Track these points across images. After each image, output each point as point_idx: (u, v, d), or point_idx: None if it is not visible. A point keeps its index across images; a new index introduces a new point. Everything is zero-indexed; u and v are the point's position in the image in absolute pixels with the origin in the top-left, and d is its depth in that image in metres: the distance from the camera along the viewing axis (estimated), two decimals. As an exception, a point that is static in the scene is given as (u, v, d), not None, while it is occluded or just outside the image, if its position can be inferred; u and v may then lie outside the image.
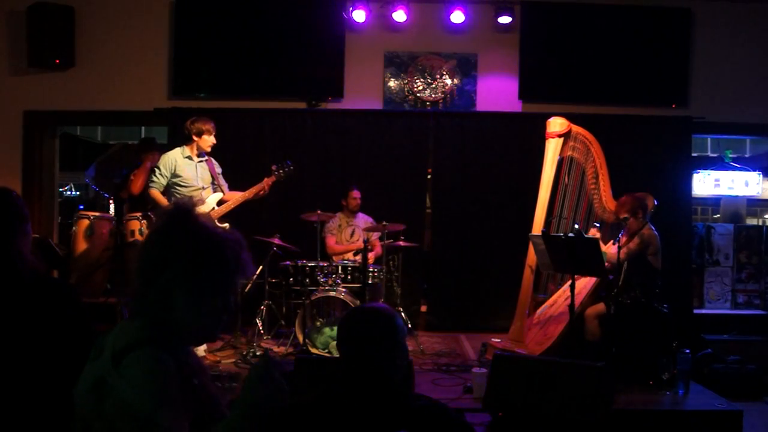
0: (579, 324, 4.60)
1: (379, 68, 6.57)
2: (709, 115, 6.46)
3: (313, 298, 5.05)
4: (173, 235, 1.43)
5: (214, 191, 4.99)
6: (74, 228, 6.07)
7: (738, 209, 8.37)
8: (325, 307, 5.22)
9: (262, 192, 4.97)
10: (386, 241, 5.48)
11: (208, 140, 4.88)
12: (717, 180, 7.95)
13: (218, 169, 5.08)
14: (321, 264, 5.23)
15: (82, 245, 6.01)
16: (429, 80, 6.58)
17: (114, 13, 6.48)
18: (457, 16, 6.32)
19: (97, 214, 6.19)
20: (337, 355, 1.78)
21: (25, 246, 2.02)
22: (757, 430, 4.40)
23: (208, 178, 4.97)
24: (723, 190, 8.01)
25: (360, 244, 5.54)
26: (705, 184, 7.92)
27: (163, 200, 4.80)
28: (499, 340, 4.89)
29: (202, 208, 4.73)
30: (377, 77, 6.58)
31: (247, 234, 1.60)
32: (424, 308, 6.57)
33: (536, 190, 5.02)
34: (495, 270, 6.26)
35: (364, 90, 6.54)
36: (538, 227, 4.84)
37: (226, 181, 5.13)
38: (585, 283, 4.79)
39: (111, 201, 7.20)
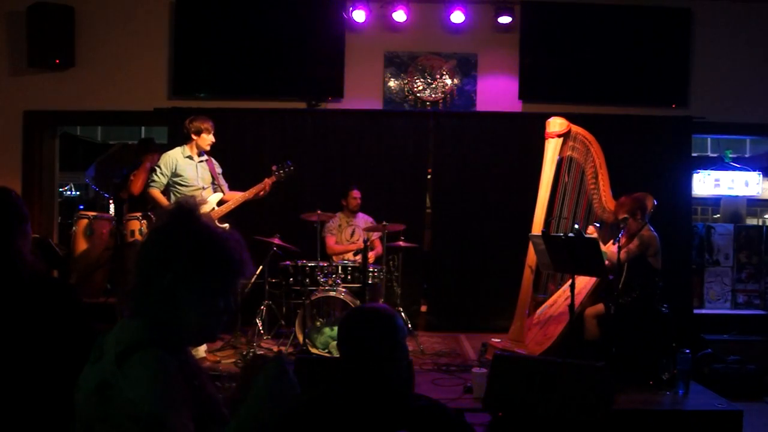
0: (578, 324, 4.60)
1: (379, 68, 6.57)
2: (709, 115, 6.47)
3: (313, 298, 5.05)
4: (176, 235, 1.43)
5: (215, 191, 4.98)
6: (74, 228, 6.08)
7: (738, 209, 8.37)
8: (325, 307, 5.22)
9: (262, 192, 4.97)
10: (390, 243, 5.48)
11: (207, 139, 4.87)
12: (717, 180, 7.95)
13: (218, 169, 5.08)
14: (321, 264, 5.23)
15: (82, 245, 6.02)
16: (429, 80, 6.58)
17: (114, 13, 6.48)
18: (457, 16, 6.33)
19: (97, 214, 6.20)
20: (337, 355, 1.78)
21: (24, 246, 2.02)
22: (757, 430, 4.40)
23: (209, 178, 4.97)
24: (723, 190, 8.01)
25: (360, 244, 5.54)
26: (705, 184, 7.92)
27: (163, 200, 4.80)
28: (499, 340, 4.89)
29: (203, 208, 4.72)
30: (377, 77, 6.58)
31: (247, 234, 1.61)
32: (424, 308, 6.57)
33: (536, 190, 5.02)
34: (495, 270, 6.26)
35: (364, 90, 6.55)
36: (537, 227, 4.84)
37: (226, 181, 5.13)
38: (585, 283, 4.78)
39: (111, 201, 7.20)
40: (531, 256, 4.87)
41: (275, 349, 5.17)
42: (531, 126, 6.14)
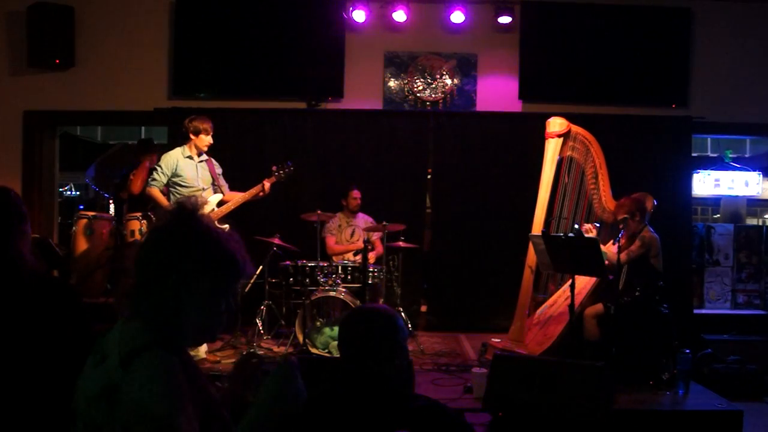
0: (578, 324, 4.60)
1: (379, 68, 6.57)
2: (709, 115, 6.46)
3: (313, 298, 5.05)
4: (180, 237, 1.42)
5: (215, 192, 4.98)
6: (74, 228, 6.08)
7: (738, 209, 8.37)
8: (325, 307, 5.22)
9: (261, 193, 4.97)
10: (390, 243, 5.48)
11: (205, 140, 4.86)
12: (717, 180, 7.95)
13: (218, 170, 5.07)
14: (321, 264, 5.23)
15: (82, 245, 6.02)
16: (429, 80, 6.58)
17: (114, 13, 6.48)
18: (457, 16, 6.32)
19: (96, 214, 6.21)
20: (337, 355, 1.78)
21: (24, 246, 2.02)
22: (757, 430, 4.40)
23: (209, 179, 4.96)
24: (723, 190, 8.01)
25: (360, 244, 5.54)
26: (705, 184, 7.92)
27: (163, 199, 4.80)
28: (499, 340, 4.89)
29: (204, 209, 4.72)
30: (377, 77, 6.58)
31: (247, 234, 1.61)
32: (424, 308, 6.57)
33: (536, 190, 5.01)
34: (495, 270, 6.26)
35: (364, 90, 6.54)
36: (537, 227, 4.83)
37: (226, 181, 5.13)
38: (585, 283, 4.78)
39: (111, 201, 7.21)
40: (531, 256, 4.87)
41: (275, 349, 5.17)
42: (531, 126, 6.14)
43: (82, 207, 9.90)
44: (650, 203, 4.79)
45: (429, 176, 6.57)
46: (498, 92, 6.58)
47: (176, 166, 4.81)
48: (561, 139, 4.97)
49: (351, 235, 6.00)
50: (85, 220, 6.04)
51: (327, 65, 6.45)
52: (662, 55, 6.46)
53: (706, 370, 5.26)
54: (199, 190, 4.85)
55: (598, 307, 4.62)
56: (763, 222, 12.70)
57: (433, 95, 6.58)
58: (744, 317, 6.56)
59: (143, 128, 10.51)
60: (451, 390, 4.20)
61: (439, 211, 6.57)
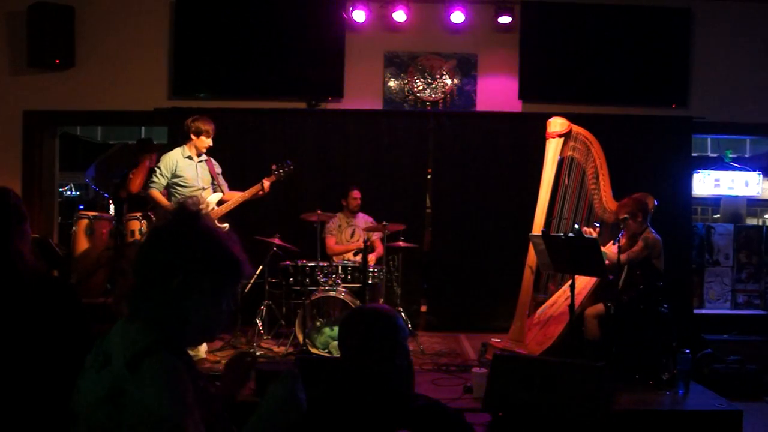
0: (579, 324, 4.60)
1: (379, 68, 6.57)
2: (709, 115, 6.46)
3: (313, 298, 5.05)
4: (182, 238, 1.42)
5: (214, 191, 4.98)
6: (74, 228, 6.08)
7: (738, 209, 8.38)
8: (325, 307, 5.22)
9: (261, 192, 4.96)
10: (390, 243, 5.48)
11: (206, 142, 4.86)
12: (717, 180, 7.96)
13: (218, 169, 5.07)
14: (321, 264, 5.23)
15: (82, 245, 6.02)
16: (429, 80, 6.58)
17: (114, 13, 6.48)
18: (457, 16, 6.32)
19: (97, 214, 6.21)
20: (337, 355, 1.78)
21: (24, 246, 2.02)
22: (757, 430, 4.40)
23: (208, 179, 4.96)
24: (723, 190, 8.02)
25: (360, 244, 5.54)
26: (705, 184, 7.93)
27: (164, 200, 4.80)
28: (499, 340, 4.88)
29: (204, 209, 4.72)
30: (377, 77, 6.58)
31: (247, 234, 1.61)
32: (424, 308, 6.57)
33: (536, 190, 5.01)
34: (495, 270, 6.26)
35: (364, 90, 6.54)
36: (538, 227, 4.83)
37: (226, 181, 5.13)
38: (585, 284, 4.78)
39: (110, 201, 7.21)
40: (531, 257, 4.87)
41: (275, 349, 5.17)
42: (531, 126, 6.14)
43: (82, 207, 9.89)
44: (651, 203, 4.79)
45: (429, 176, 6.57)
46: (498, 92, 6.58)
47: (176, 166, 4.81)
48: (562, 139, 4.96)
49: (351, 236, 6.00)
50: (85, 221, 6.04)
51: (327, 65, 6.44)
52: (662, 55, 6.46)
53: (706, 370, 5.25)
54: (199, 189, 4.85)
55: (599, 307, 4.62)
56: (763, 222, 12.70)
57: (433, 95, 6.58)
58: (744, 317, 6.57)
59: (143, 128, 10.51)
60: (451, 390, 4.19)
61: (439, 211, 6.57)
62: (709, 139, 10.71)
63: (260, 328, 5.31)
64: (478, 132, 6.49)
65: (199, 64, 6.45)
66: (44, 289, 2.00)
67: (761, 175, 8.12)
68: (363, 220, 6.02)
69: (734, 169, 8.02)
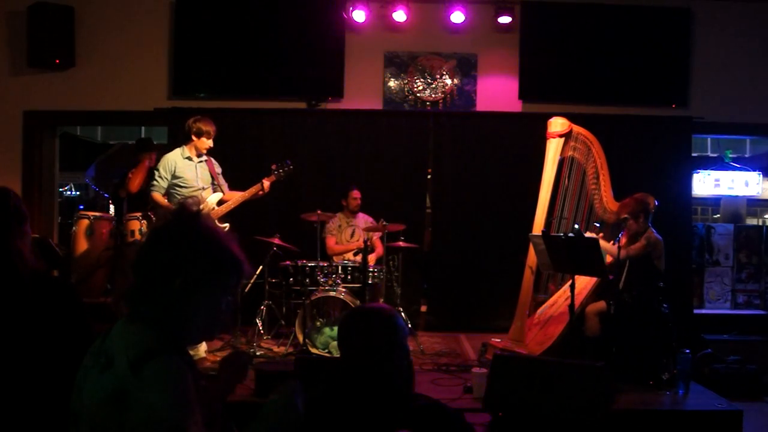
0: (579, 320, 4.61)
1: (379, 68, 6.57)
2: (709, 115, 6.46)
3: (313, 298, 5.05)
4: (185, 239, 1.43)
5: (214, 191, 4.98)
6: (74, 228, 6.07)
7: (738, 209, 8.37)
8: (325, 307, 5.22)
9: (261, 192, 4.97)
10: (390, 243, 5.48)
11: (206, 143, 4.86)
12: (717, 180, 7.96)
13: (218, 169, 5.07)
14: (321, 264, 5.23)
15: (82, 245, 6.02)
16: (429, 80, 6.58)
17: (114, 13, 6.48)
18: (457, 16, 6.32)
19: (97, 214, 6.20)
20: (337, 355, 1.78)
21: (24, 245, 2.02)
22: (757, 430, 4.40)
23: (208, 178, 4.96)
24: (723, 190, 8.02)
25: (360, 244, 5.54)
26: (705, 184, 7.93)
27: (166, 204, 4.79)
28: (499, 340, 4.88)
29: (204, 209, 4.72)
30: (377, 77, 6.58)
31: (247, 234, 1.62)
32: (424, 308, 6.57)
33: (536, 190, 5.01)
34: (495, 270, 6.26)
35: (364, 90, 6.54)
36: (538, 227, 4.83)
37: (226, 180, 5.13)
38: (585, 284, 4.78)
39: (110, 201, 7.20)
40: (531, 257, 4.86)
41: (275, 349, 5.17)
42: (531, 126, 6.13)
43: (82, 207, 9.90)
44: (652, 203, 4.79)
45: (429, 176, 6.57)
46: (498, 92, 6.58)
47: (174, 167, 4.81)
48: (562, 139, 4.96)
49: (351, 236, 6.00)
50: (86, 221, 6.03)
51: (327, 65, 6.44)
52: (662, 55, 6.46)
53: (706, 370, 5.26)
54: (199, 189, 4.85)
55: (601, 304, 4.63)
56: (763, 222, 12.70)
57: (433, 95, 6.58)
58: (744, 317, 6.57)
59: (143, 128, 10.51)
60: (451, 390, 4.19)
61: (439, 211, 6.57)
62: (709, 139, 10.71)
63: (260, 328, 5.31)
64: (478, 132, 6.49)
65: (199, 64, 6.45)
66: (44, 289, 2.00)
67: (761, 175, 8.12)
68: (363, 220, 6.02)
69: (734, 169, 8.02)
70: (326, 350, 4.91)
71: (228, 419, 1.60)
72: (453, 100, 6.59)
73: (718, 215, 9.70)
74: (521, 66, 6.49)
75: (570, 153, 4.98)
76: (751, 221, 11.78)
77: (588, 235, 4.74)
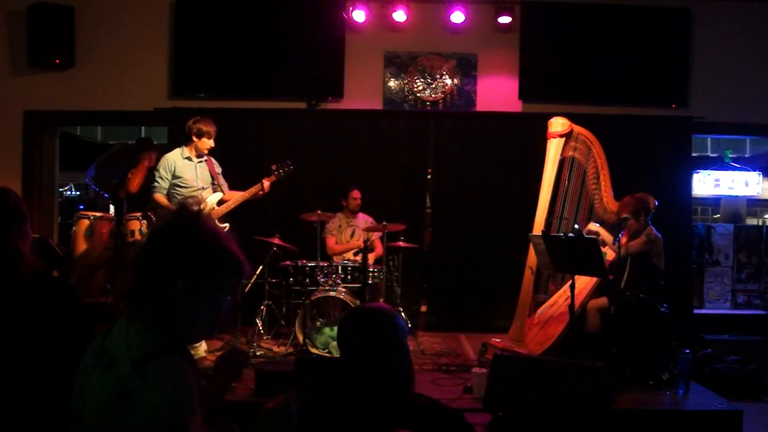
0: (580, 316, 4.61)
1: (379, 68, 6.57)
2: (709, 115, 6.46)
3: (313, 298, 5.05)
4: (187, 240, 1.43)
5: (214, 191, 4.98)
6: (74, 228, 6.07)
7: (738, 209, 8.37)
8: (325, 307, 5.22)
9: (261, 192, 4.97)
10: (390, 243, 5.48)
11: (207, 143, 4.86)
12: (717, 180, 7.96)
13: (218, 169, 5.07)
14: (321, 264, 5.23)
15: (82, 245, 6.01)
16: (429, 80, 6.58)
17: (114, 13, 6.48)
18: (457, 16, 6.32)
19: (97, 214, 6.19)
20: (337, 355, 1.78)
21: (24, 246, 2.02)
22: (757, 430, 4.40)
23: (208, 178, 4.96)
24: (723, 190, 8.01)
25: (360, 243, 5.54)
26: (705, 184, 7.93)
27: (168, 205, 4.79)
28: (499, 340, 4.88)
29: (204, 209, 4.72)
30: (377, 77, 6.58)
31: (247, 234, 1.62)
32: (424, 308, 6.57)
33: (536, 190, 5.01)
34: (495, 270, 6.26)
35: (364, 90, 6.54)
36: (538, 227, 4.83)
37: (226, 180, 5.13)
38: (585, 284, 4.78)
39: (110, 201, 7.20)
40: (531, 257, 4.86)
41: (275, 349, 5.17)
42: (531, 126, 6.13)
43: (82, 207, 9.88)
44: (652, 203, 4.80)
45: (429, 176, 6.57)
46: (498, 92, 6.58)
47: (174, 167, 4.81)
48: (563, 139, 4.96)
49: (351, 236, 6.00)
50: (86, 221, 6.03)
51: (327, 65, 6.44)
52: (662, 55, 6.46)
53: (706, 370, 5.26)
54: (199, 189, 4.85)
55: (603, 300, 4.64)
56: (763, 222, 12.70)
57: (433, 95, 6.58)
58: (744, 317, 6.57)
59: (143, 128, 10.51)
60: (451, 390, 4.19)
61: (439, 211, 6.57)
62: (709, 139, 10.72)
63: (260, 328, 5.31)
64: (478, 132, 6.49)
65: (199, 64, 6.45)
66: (44, 289, 2.00)
67: (761, 175, 8.11)
68: (363, 220, 6.02)
69: (734, 169, 8.02)
70: (326, 350, 4.91)
71: (228, 418, 1.60)
72: (453, 100, 6.59)
73: (718, 215, 9.70)
74: (521, 66, 6.49)
75: (570, 153, 4.98)
76: (751, 221, 11.78)
77: (591, 227, 4.75)
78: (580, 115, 5.56)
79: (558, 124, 4.99)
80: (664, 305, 4.63)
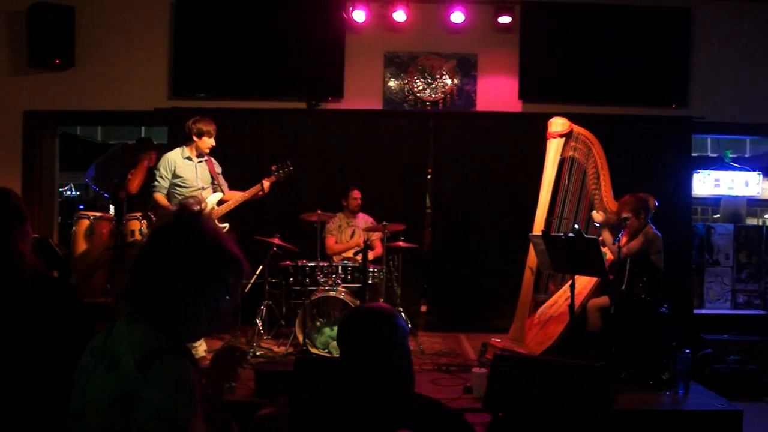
0: (581, 315, 4.61)
1: (379, 68, 6.57)
2: (709, 115, 6.46)
3: (313, 298, 5.05)
4: (189, 240, 1.44)
5: (214, 191, 4.98)
6: (74, 228, 6.07)
7: (738, 209, 8.36)
8: (325, 307, 5.21)
9: (261, 193, 4.97)
10: (390, 243, 5.48)
11: (208, 142, 4.86)
12: (717, 180, 7.95)
13: (218, 169, 5.07)
14: (321, 264, 5.23)
15: (82, 245, 6.01)
16: (429, 80, 6.58)
17: (114, 13, 6.48)
18: (457, 16, 6.32)
19: (97, 214, 6.20)
20: (337, 355, 1.78)
21: (25, 246, 2.02)
22: (757, 430, 4.40)
23: (208, 178, 4.96)
24: (723, 190, 8.00)
25: (360, 243, 5.54)
26: (705, 184, 7.92)
27: (168, 205, 4.79)
28: (499, 340, 4.88)
29: (204, 209, 4.71)
30: (377, 77, 6.58)
31: (247, 234, 1.63)
32: (424, 308, 6.57)
33: (536, 190, 5.01)
34: (495, 270, 6.26)
35: (364, 90, 6.54)
36: (538, 227, 4.83)
37: (226, 180, 5.13)
38: (585, 284, 4.79)
39: (110, 201, 7.20)
40: (531, 258, 4.86)
41: (275, 349, 5.17)
42: (531, 126, 6.14)
43: (82, 207, 9.88)
44: (652, 203, 4.80)
45: (429, 176, 6.57)
46: (498, 92, 6.58)
47: (174, 167, 4.81)
48: (563, 139, 4.96)
49: (351, 236, 6.00)
50: (86, 221, 6.03)
51: (327, 65, 6.44)
52: (662, 55, 6.46)
53: (706, 370, 5.26)
54: (199, 189, 4.85)
55: (603, 299, 4.65)
56: (763, 222, 12.70)
57: (433, 95, 6.58)
58: (744, 317, 6.57)
59: (143, 128, 10.52)
60: (451, 390, 4.20)
61: (439, 211, 6.57)
62: (709, 139, 10.73)
63: (260, 328, 5.31)
64: (478, 132, 6.49)
65: (199, 64, 6.45)
66: (44, 289, 2.01)
67: (761, 175, 8.10)
68: (363, 220, 6.02)
69: (734, 169, 8.01)
70: (326, 350, 4.91)
71: (228, 416, 1.60)
72: (453, 100, 6.59)
73: (718, 215, 9.69)
74: (521, 66, 6.49)
75: (570, 153, 4.98)
76: (751, 221, 11.78)
77: (594, 215, 4.75)
78: (580, 115, 5.56)
79: (558, 124, 4.99)
80: (664, 305, 4.63)
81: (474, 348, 5.38)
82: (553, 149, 4.98)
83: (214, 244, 1.46)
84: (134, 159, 6.22)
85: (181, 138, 5.09)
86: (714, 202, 10.82)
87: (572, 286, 4.27)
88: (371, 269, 5.20)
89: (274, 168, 5.04)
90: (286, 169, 5.05)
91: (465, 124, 6.52)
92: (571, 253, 4.19)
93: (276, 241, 5.30)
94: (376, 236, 5.85)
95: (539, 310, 5.03)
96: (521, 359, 3.80)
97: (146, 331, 1.38)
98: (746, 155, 10.87)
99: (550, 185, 4.95)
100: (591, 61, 6.46)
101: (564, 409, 3.16)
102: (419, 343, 5.45)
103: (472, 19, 6.44)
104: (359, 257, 5.28)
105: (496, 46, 6.57)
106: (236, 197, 4.93)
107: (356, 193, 5.98)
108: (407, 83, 6.57)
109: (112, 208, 6.94)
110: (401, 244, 5.59)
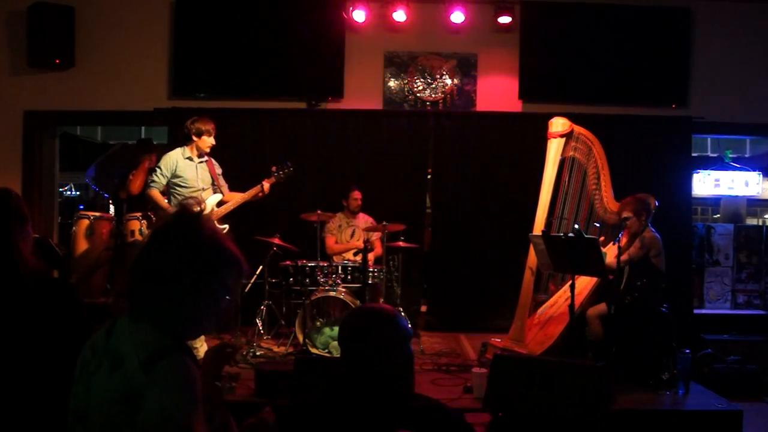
0: (581, 324, 4.60)
1: (379, 68, 6.57)
2: (709, 115, 6.46)
3: (313, 298, 5.05)
4: (190, 241, 1.45)
5: (214, 192, 4.98)
6: (74, 228, 6.07)
7: (738, 209, 8.36)
8: (325, 307, 5.22)
9: (261, 194, 4.97)
10: (390, 243, 5.48)
11: (208, 141, 4.86)
12: (717, 180, 7.95)
13: (218, 170, 5.07)
14: (321, 264, 5.23)
15: (82, 245, 6.01)
16: (429, 80, 6.58)
17: (114, 13, 6.48)
18: (457, 16, 6.32)
19: (97, 214, 6.20)
20: (337, 355, 1.78)
21: (25, 247, 2.02)
22: (757, 430, 4.40)
23: (209, 179, 4.96)
24: (723, 190, 8.00)
25: (360, 244, 5.54)
26: (705, 184, 7.92)
27: (163, 201, 4.79)
28: (499, 340, 4.88)
29: (204, 210, 4.72)
30: (377, 77, 6.58)
31: (247, 234, 1.64)
32: (424, 308, 6.57)
33: (536, 190, 5.01)
34: (495, 270, 6.26)
35: (364, 90, 6.54)
36: (538, 227, 4.83)
37: (226, 181, 5.13)
38: (585, 284, 4.78)
39: (110, 201, 7.20)
40: (532, 258, 4.86)
41: (275, 349, 5.17)
42: (531, 126, 6.15)
43: (82, 207, 9.89)
44: (653, 204, 4.80)
45: (429, 176, 6.57)
46: (498, 92, 6.58)
47: (176, 167, 4.81)
48: (563, 140, 4.96)
49: (351, 236, 6.00)
50: (86, 221, 6.03)
51: (327, 65, 6.44)
52: (662, 55, 6.46)
53: (706, 370, 5.26)
54: (199, 190, 4.85)
55: (601, 306, 4.63)
56: (763, 222, 12.70)
57: (433, 95, 6.58)
58: (744, 317, 6.57)
59: (143, 128, 10.52)
60: (451, 390, 4.20)
61: (439, 211, 6.57)
62: (709, 139, 10.73)
63: (260, 328, 5.31)
64: (478, 132, 6.49)
65: (199, 64, 6.45)
66: (44, 289, 2.01)
67: (761, 175, 8.11)
68: (363, 220, 6.02)
69: (734, 169, 8.01)
70: (326, 350, 4.91)
71: (226, 413, 1.61)
72: (453, 100, 6.59)
73: (718, 215, 9.69)
74: (521, 66, 6.49)
75: (571, 153, 4.98)
76: (751, 221, 11.78)
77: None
78: (580, 115, 5.55)
79: (558, 124, 4.99)
80: (664, 305, 4.63)
81: (474, 348, 5.38)
82: (554, 149, 4.98)
83: (213, 245, 1.47)
84: (135, 160, 6.22)
85: (181, 138, 5.09)
86: (714, 202, 10.82)
87: (572, 286, 4.27)
88: (371, 269, 5.20)
89: (273, 169, 5.04)
90: (286, 170, 5.05)
91: (465, 124, 6.52)
92: (571, 253, 4.19)
93: (276, 241, 5.30)
94: (376, 236, 5.85)
95: (539, 310, 5.03)
96: (521, 359, 3.80)
97: (149, 331, 1.39)
98: (746, 155, 10.87)
99: (550, 185, 4.95)
100: (591, 61, 6.46)
101: (564, 409, 3.16)
102: (419, 343, 5.46)
103: (472, 19, 6.44)
104: (359, 257, 5.28)
105: (496, 46, 6.57)
106: (236, 198, 4.93)
107: (357, 194, 5.98)
108: (407, 83, 6.57)
109: (112, 208, 6.94)
110: (401, 244, 5.59)
